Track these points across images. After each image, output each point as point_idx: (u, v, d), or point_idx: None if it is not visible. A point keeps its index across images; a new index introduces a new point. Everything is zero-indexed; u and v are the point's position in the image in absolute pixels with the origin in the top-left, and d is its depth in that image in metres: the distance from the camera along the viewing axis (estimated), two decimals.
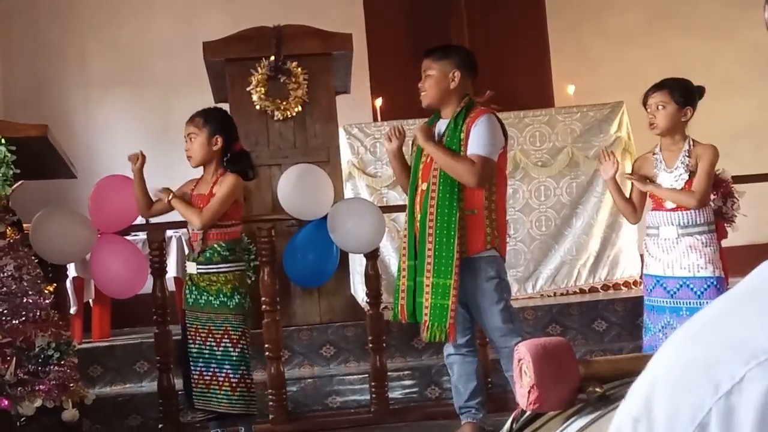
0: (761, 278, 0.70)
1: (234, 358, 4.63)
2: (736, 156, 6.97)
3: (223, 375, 4.61)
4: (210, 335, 4.63)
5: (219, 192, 4.63)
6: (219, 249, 4.64)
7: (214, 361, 4.62)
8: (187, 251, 4.74)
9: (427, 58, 4.60)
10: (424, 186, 4.48)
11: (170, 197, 4.67)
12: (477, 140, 4.41)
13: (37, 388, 4.18)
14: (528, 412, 1.55)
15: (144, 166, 4.76)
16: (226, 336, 4.62)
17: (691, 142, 4.61)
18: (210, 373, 4.62)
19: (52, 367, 4.26)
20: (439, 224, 4.37)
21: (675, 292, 4.52)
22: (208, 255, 4.64)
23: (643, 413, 0.69)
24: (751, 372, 0.64)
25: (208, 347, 4.63)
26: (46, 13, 8.59)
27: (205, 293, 4.63)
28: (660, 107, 4.56)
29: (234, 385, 4.62)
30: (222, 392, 4.62)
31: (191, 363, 4.66)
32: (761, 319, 0.66)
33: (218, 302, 4.62)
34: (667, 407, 0.67)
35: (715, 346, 0.67)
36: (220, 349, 4.62)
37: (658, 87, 4.61)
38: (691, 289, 4.49)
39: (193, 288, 4.66)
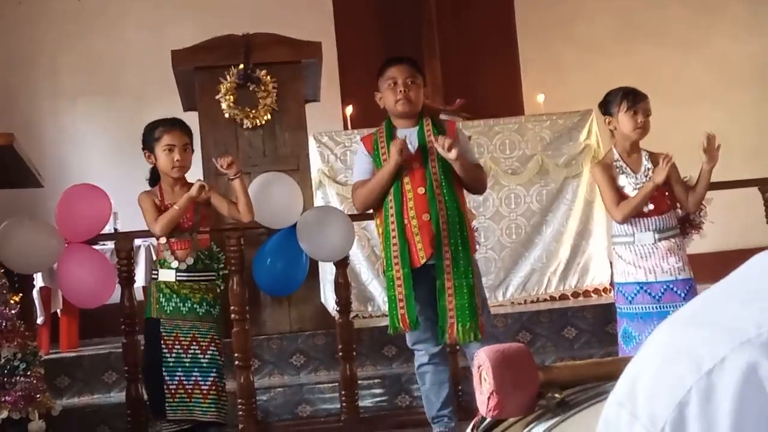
0: (746, 270, 0.72)
1: (222, 366, 4.69)
2: None
3: (209, 382, 4.62)
4: (194, 342, 4.62)
5: (217, 195, 4.75)
6: (203, 257, 4.68)
7: (197, 369, 4.61)
8: (156, 258, 4.74)
9: (410, 66, 4.63)
10: (421, 191, 4.48)
11: (236, 175, 4.71)
12: (468, 149, 4.51)
13: (3, 399, 4.15)
14: (488, 419, 1.55)
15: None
16: (212, 344, 4.65)
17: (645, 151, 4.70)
18: (192, 382, 4.61)
19: (18, 378, 4.23)
20: (451, 225, 4.44)
21: (660, 297, 4.54)
22: (191, 262, 4.66)
23: (627, 397, 0.70)
24: (732, 352, 0.65)
25: (190, 355, 4.61)
26: (18, 23, 8.54)
27: (188, 301, 4.63)
28: (648, 114, 4.63)
29: (219, 391, 4.67)
30: (208, 400, 4.62)
31: (166, 373, 4.62)
32: (744, 304, 0.68)
33: (203, 310, 4.64)
34: (649, 389, 0.68)
35: (698, 330, 0.69)
36: (206, 356, 4.62)
37: (644, 94, 4.67)
38: (675, 291, 4.53)
39: (173, 296, 4.66)
